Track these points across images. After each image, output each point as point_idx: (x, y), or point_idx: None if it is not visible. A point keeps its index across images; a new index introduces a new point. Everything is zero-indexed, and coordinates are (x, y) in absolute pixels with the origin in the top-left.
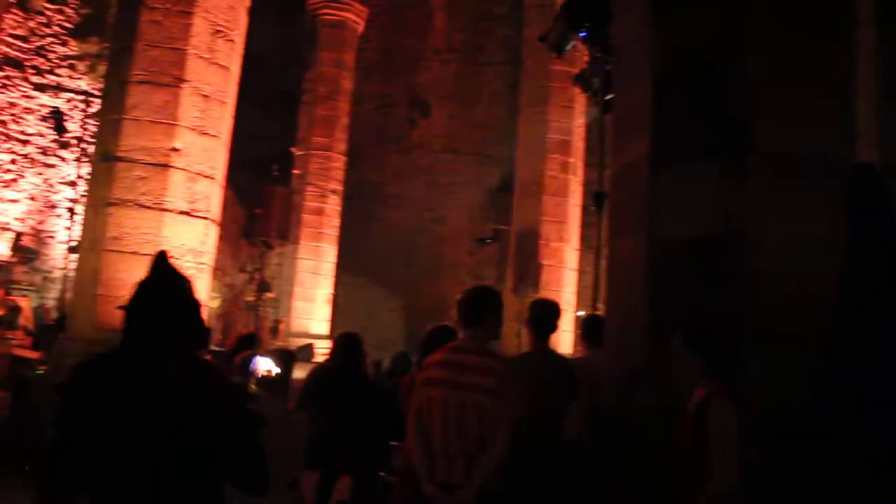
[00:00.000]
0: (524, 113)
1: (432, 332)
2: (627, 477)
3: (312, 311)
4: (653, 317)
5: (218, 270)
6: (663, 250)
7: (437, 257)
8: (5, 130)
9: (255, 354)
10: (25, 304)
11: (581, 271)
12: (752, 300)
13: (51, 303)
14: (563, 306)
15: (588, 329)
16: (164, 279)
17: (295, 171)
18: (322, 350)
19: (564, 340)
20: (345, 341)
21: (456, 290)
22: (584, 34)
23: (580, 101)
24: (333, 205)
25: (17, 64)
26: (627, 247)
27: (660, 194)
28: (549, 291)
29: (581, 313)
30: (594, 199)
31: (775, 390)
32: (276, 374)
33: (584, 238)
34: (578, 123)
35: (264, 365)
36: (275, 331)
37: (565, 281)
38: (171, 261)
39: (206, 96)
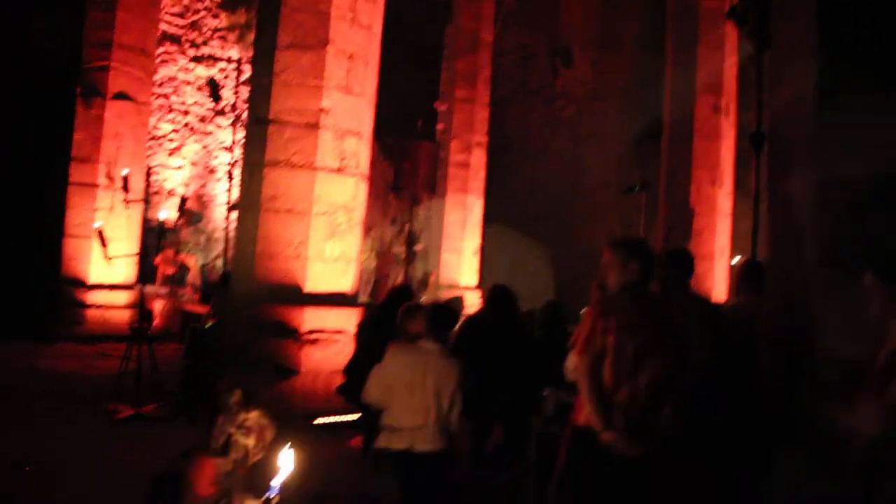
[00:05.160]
0: (671, 55)
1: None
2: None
3: (460, 264)
4: (821, 258)
5: (368, 227)
6: (833, 189)
7: (584, 207)
8: (168, 103)
9: (416, 304)
10: (193, 262)
11: (736, 217)
12: None
13: (215, 261)
14: (716, 254)
15: (745, 275)
16: None
17: (439, 126)
18: (472, 302)
19: (719, 289)
20: (496, 293)
21: (604, 239)
22: None
23: (731, 38)
24: (478, 158)
25: (175, 39)
26: (792, 187)
27: (829, 130)
28: (701, 239)
29: (736, 260)
30: (752, 140)
31: None
32: None
33: (739, 183)
34: (730, 63)
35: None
36: (424, 283)
37: (719, 228)
38: None
39: (350, 56)
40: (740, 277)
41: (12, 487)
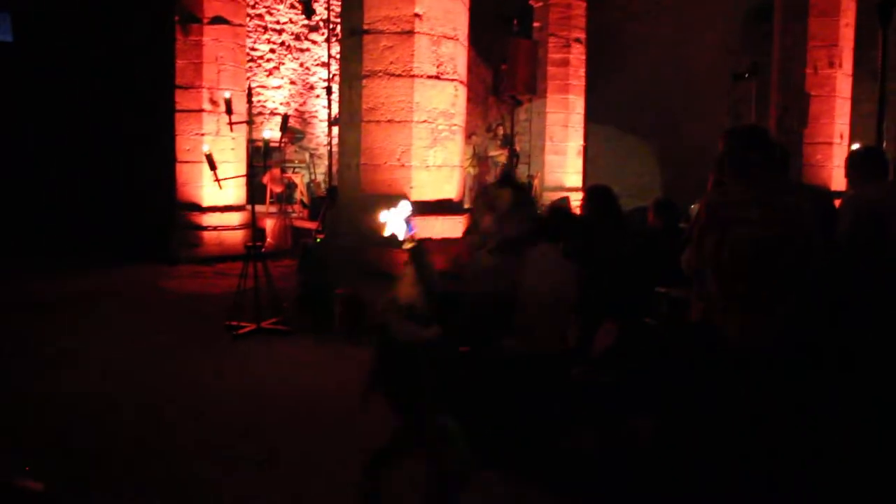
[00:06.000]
0: None
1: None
2: None
3: (565, 164)
4: None
5: (469, 133)
6: None
7: (690, 98)
8: (262, 23)
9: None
10: (299, 180)
11: (855, 100)
12: None
13: (320, 177)
14: (834, 139)
15: (860, 161)
16: None
17: (535, 24)
18: (577, 203)
19: (837, 177)
20: (595, 192)
21: (712, 132)
22: None
23: None
24: (577, 54)
25: None
26: None
27: None
28: (818, 124)
29: (856, 146)
30: (879, 10)
31: None
32: None
33: (859, 62)
34: None
35: None
36: (529, 186)
37: (837, 111)
38: None
39: None
40: (858, 164)
41: (156, 399)
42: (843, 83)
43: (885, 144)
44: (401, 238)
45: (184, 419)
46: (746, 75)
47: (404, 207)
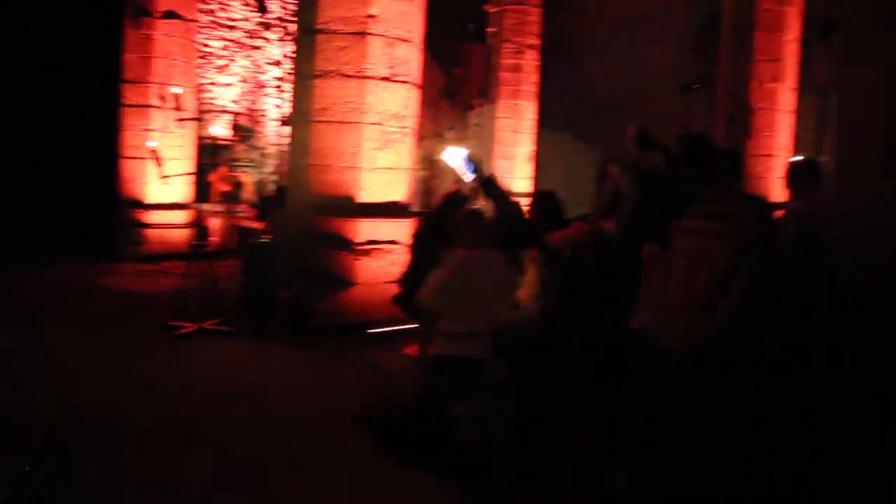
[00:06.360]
0: None
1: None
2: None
3: (514, 170)
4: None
5: (421, 136)
6: None
7: (641, 107)
8: (215, 18)
9: (473, 213)
10: (247, 179)
11: (799, 114)
12: None
13: (268, 176)
14: (776, 152)
15: (800, 173)
16: None
17: (490, 29)
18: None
19: (778, 188)
20: (540, 196)
21: (665, 139)
22: None
23: None
24: (531, 60)
25: None
26: (863, 74)
27: None
28: (761, 136)
29: (795, 159)
30: (823, 28)
31: None
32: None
33: (802, 77)
34: None
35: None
36: (477, 190)
37: (780, 124)
38: None
39: None
40: (798, 176)
41: (80, 400)
42: (786, 97)
43: (824, 157)
44: (467, 179)
45: (104, 418)
46: (695, 86)
47: (462, 150)
